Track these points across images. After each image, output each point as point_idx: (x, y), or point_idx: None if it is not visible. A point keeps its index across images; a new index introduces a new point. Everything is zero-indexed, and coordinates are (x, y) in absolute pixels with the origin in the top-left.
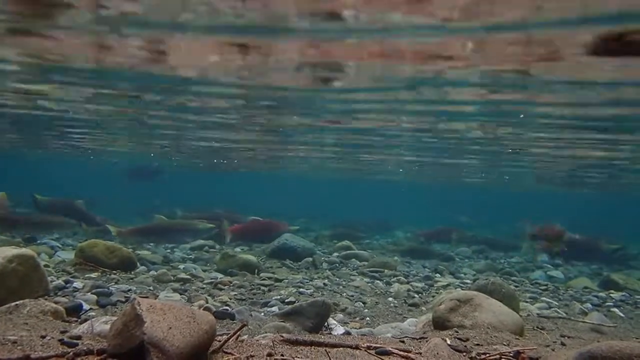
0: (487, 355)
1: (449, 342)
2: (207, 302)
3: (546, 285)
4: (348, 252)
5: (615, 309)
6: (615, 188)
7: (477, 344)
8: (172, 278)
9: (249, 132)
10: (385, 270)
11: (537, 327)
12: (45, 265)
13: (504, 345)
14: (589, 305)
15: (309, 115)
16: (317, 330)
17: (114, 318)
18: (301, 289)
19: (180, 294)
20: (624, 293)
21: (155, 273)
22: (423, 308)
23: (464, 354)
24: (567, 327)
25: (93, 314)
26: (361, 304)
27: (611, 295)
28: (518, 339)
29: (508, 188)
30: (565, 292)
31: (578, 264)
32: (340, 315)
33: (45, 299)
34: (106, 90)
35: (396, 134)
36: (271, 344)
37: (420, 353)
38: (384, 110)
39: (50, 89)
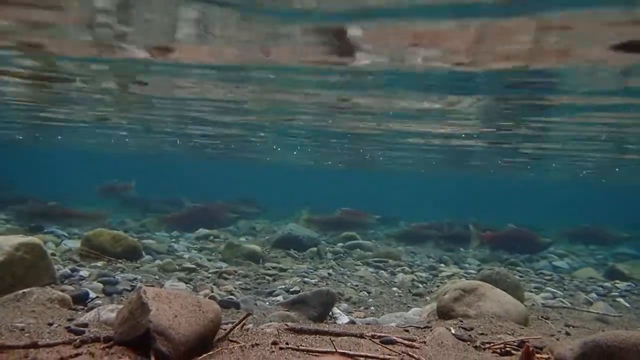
0: (492, 344)
1: (453, 331)
2: (212, 291)
3: (551, 275)
4: (352, 242)
5: (621, 299)
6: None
7: (482, 333)
8: (177, 267)
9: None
10: (390, 260)
11: (542, 317)
12: (52, 254)
13: (509, 334)
14: (594, 295)
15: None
16: (321, 319)
17: (120, 306)
18: (306, 279)
19: (186, 283)
20: (629, 283)
21: (161, 262)
22: (427, 298)
23: (469, 343)
24: (572, 316)
25: (99, 302)
26: (365, 293)
27: (616, 285)
28: (522, 328)
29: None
30: (570, 282)
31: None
32: (344, 305)
33: (52, 287)
34: None
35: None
36: (276, 332)
37: (425, 342)
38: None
39: None
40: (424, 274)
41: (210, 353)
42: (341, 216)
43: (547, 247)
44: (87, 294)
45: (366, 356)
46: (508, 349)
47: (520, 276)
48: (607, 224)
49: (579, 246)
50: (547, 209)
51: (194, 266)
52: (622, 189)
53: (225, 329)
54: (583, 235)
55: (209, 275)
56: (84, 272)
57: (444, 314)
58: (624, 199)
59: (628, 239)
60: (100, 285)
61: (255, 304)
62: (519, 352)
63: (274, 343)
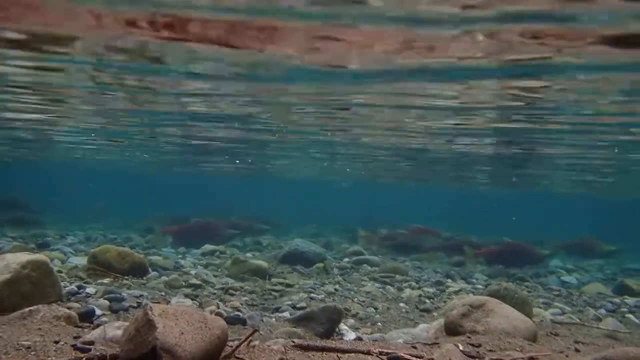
0: None
1: (461, 347)
2: (218, 308)
3: (559, 290)
4: (359, 257)
5: (630, 315)
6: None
7: (490, 350)
8: (183, 284)
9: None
10: (397, 276)
11: (551, 333)
12: (58, 271)
13: (517, 351)
14: (603, 311)
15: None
16: (328, 335)
17: (127, 323)
18: (312, 295)
19: (192, 300)
20: (638, 299)
21: (167, 279)
22: (435, 313)
23: (477, 359)
24: (581, 333)
25: (105, 319)
26: (372, 309)
27: (625, 301)
28: (531, 344)
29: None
30: (578, 298)
31: (509, 269)
32: (351, 321)
33: (59, 305)
34: None
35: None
36: (283, 349)
37: (433, 359)
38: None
39: None
40: (431, 290)
41: None
42: (412, 234)
43: (543, 260)
44: (93, 311)
45: None
46: None
47: (528, 291)
48: (596, 236)
49: (575, 259)
50: (544, 222)
51: (200, 282)
52: (611, 202)
53: (231, 346)
54: (574, 247)
55: (215, 291)
56: (90, 289)
57: (451, 330)
58: (613, 212)
59: (616, 252)
60: (107, 302)
61: (262, 320)
62: None
63: None
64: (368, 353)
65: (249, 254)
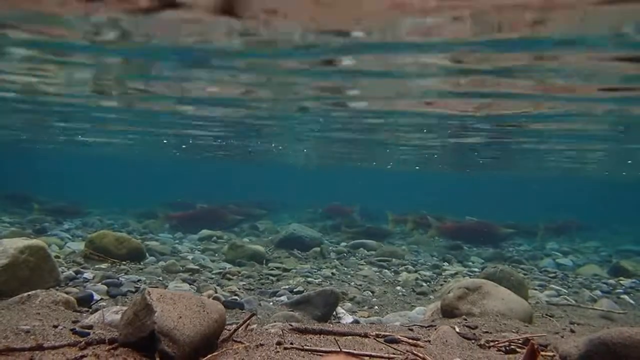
0: (496, 342)
1: (457, 329)
2: (216, 292)
3: (555, 272)
4: (356, 241)
5: (625, 296)
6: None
7: (486, 332)
8: (180, 268)
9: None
10: (393, 259)
11: (547, 315)
12: (56, 256)
13: (513, 332)
14: (598, 292)
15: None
16: (325, 319)
17: (125, 308)
18: (309, 279)
19: (190, 284)
20: (633, 280)
21: (164, 264)
22: (431, 296)
23: (473, 341)
24: (577, 314)
25: (104, 304)
26: (369, 293)
27: (621, 282)
28: (527, 326)
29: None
30: (574, 280)
31: (473, 247)
32: (348, 304)
33: (57, 290)
34: None
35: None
36: (280, 332)
37: (429, 341)
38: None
39: None
40: (427, 273)
41: (215, 354)
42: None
43: (507, 239)
44: (91, 296)
45: (371, 355)
46: (513, 347)
47: (524, 274)
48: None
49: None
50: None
51: (197, 267)
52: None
53: (229, 330)
54: (560, 230)
55: (213, 276)
56: (88, 274)
57: (448, 312)
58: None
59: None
60: (105, 287)
61: (259, 305)
62: (524, 350)
63: (279, 343)
64: (365, 336)
65: (245, 239)
